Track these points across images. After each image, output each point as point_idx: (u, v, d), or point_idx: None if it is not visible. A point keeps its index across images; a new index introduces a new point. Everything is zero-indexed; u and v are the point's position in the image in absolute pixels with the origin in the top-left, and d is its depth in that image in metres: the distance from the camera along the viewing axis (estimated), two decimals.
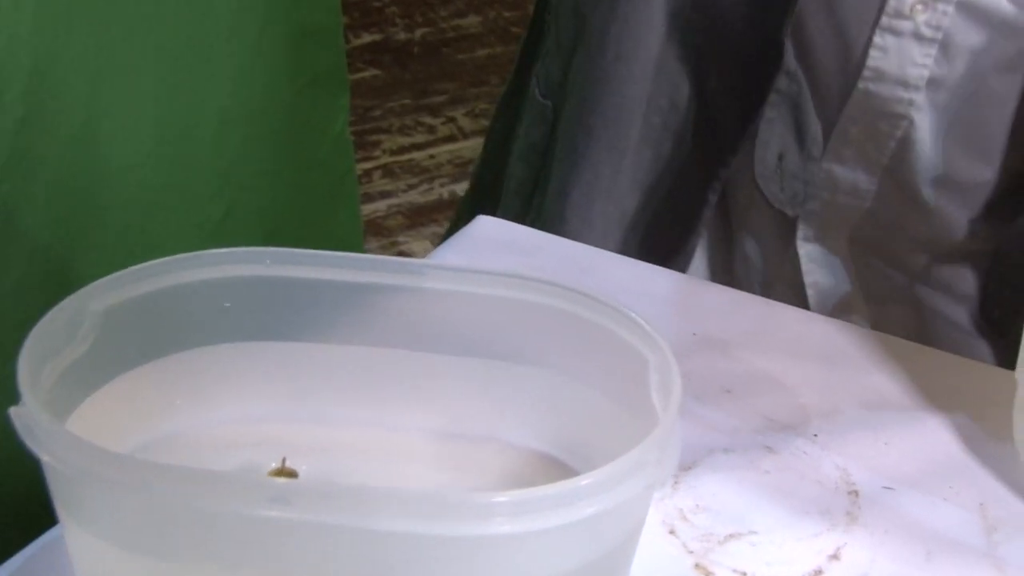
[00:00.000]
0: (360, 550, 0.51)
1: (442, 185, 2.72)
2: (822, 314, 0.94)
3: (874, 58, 0.82)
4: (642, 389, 0.58)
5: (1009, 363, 0.92)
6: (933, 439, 0.69)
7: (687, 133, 0.89)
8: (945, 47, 0.81)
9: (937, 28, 0.80)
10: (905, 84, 0.82)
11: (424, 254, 2.51)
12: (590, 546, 0.53)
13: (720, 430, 0.69)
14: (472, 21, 3.32)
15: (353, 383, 0.64)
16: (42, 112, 0.96)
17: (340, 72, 1.39)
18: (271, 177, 1.30)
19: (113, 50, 1.04)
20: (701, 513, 0.64)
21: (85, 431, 0.57)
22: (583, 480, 0.51)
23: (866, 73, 0.83)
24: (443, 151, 2.84)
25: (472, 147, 2.84)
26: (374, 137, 2.85)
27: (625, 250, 0.92)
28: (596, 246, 0.88)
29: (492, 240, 0.82)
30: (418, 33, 3.26)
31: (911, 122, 0.84)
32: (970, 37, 0.80)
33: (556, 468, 0.63)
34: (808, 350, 0.75)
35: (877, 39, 0.82)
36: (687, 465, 0.67)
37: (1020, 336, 0.83)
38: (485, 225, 0.83)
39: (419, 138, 2.88)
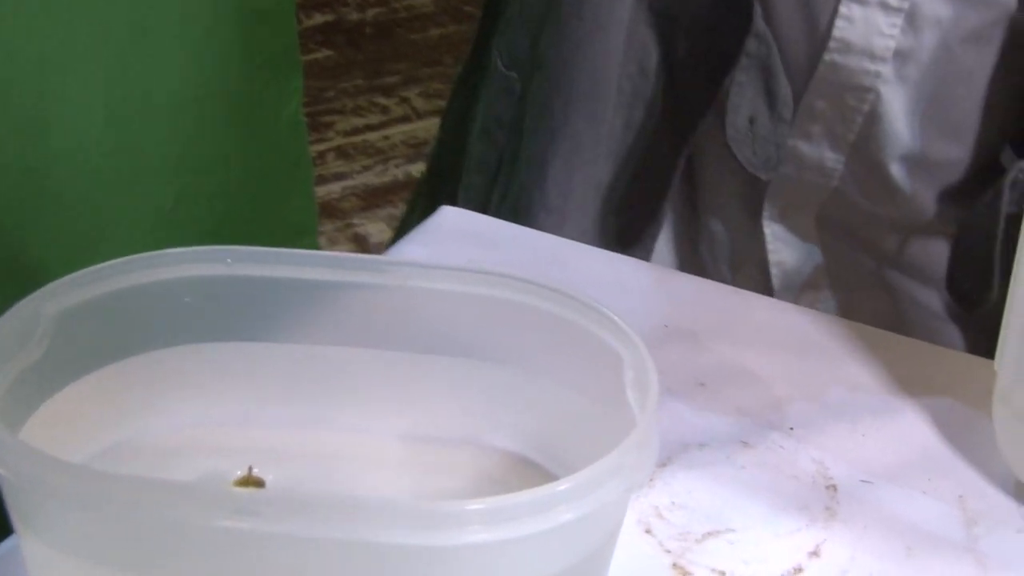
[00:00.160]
0: (330, 562, 0.49)
1: (397, 166, 2.70)
2: (787, 294, 0.94)
3: (840, 28, 0.81)
4: (617, 387, 0.57)
5: (979, 347, 0.92)
6: (910, 430, 0.68)
7: (657, 99, 0.88)
8: (912, 17, 0.80)
9: None
10: (872, 55, 0.81)
11: (380, 236, 2.52)
12: (568, 552, 0.52)
13: (694, 425, 0.68)
14: (424, 0, 3.30)
15: (319, 385, 0.63)
16: None
17: (293, 54, 1.37)
18: (224, 161, 1.28)
19: (60, 33, 1.02)
20: (677, 511, 0.63)
21: (41, 439, 0.55)
22: (560, 485, 0.49)
23: (832, 44, 0.82)
24: (397, 132, 2.82)
25: (426, 127, 2.83)
26: (327, 118, 2.83)
27: (601, 221, 0.91)
28: (575, 219, 0.87)
29: (456, 231, 0.80)
30: (370, 13, 3.24)
31: (878, 96, 0.83)
32: (937, 7, 0.79)
33: (530, 470, 0.61)
34: (781, 340, 0.74)
35: (843, 8, 0.81)
36: (662, 461, 0.65)
37: (989, 315, 0.82)
38: (448, 216, 0.82)
39: (373, 119, 2.86)
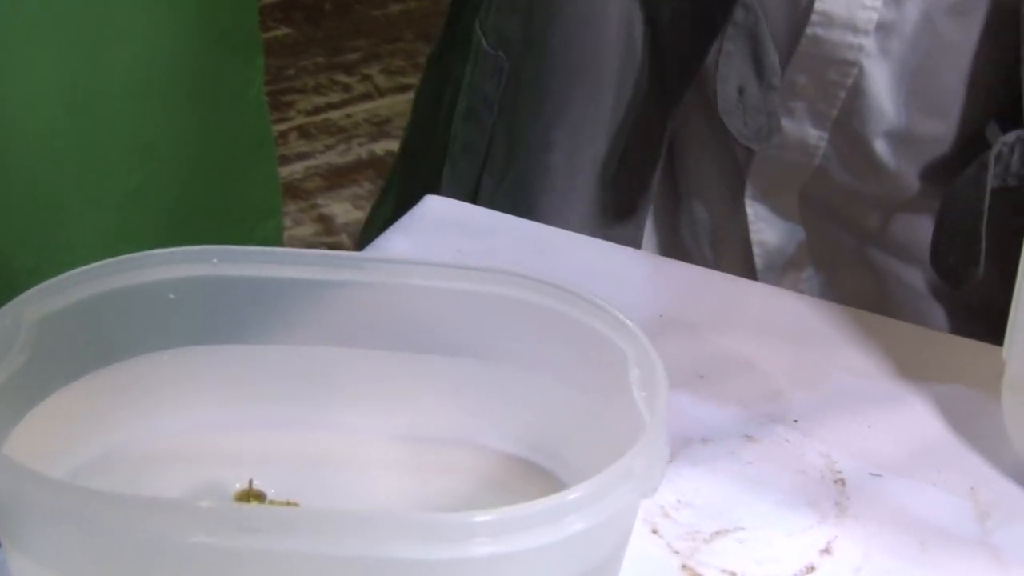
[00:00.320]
0: None
1: (360, 145, 2.68)
2: (770, 274, 0.92)
3: (822, 0, 0.80)
4: (621, 384, 0.55)
5: (964, 326, 0.91)
6: (917, 420, 0.67)
7: (644, 70, 0.87)
8: None
9: None
10: (854, 29, 0.80)
11: (345, 216, 2.49)
12: (579, 561, 0.50)
13: (696, 419, 0.66)
14: None
15: (311, 386, 0.61)
16: None
17: (254, 34, 1.36)
18: (187, 143, 1.27)
19: (17, 14, 1.00)
20: (684, 509, 0.61)
21: (27, 450, 0.53)
22: (571, 494, 0.47)
23: (814, 17, 0.81)
24: (360, 110, 2.79)
25: (389, 105, 2.80)
26: (288, 97, 2.80)
27: (598, 198, 0.89)
28: (577, 200, 0.85)
29: (442, 221, 0.78)
30: None
31: (861, 70, 0.82)
32: None
33: (531, 471, 0.59)
34: (780, 328, 0.72)
35: None
36: None
37: (974, 292, 0.81)
38: (433, 205, 0.80)
39: (334, 97, 2.83)
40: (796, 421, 0.66)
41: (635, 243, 0.90)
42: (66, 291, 0.57)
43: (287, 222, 2.33)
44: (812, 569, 0.59)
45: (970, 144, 0.84)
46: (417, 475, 0.60)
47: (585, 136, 0.88)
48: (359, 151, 2.66)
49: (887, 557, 0.59)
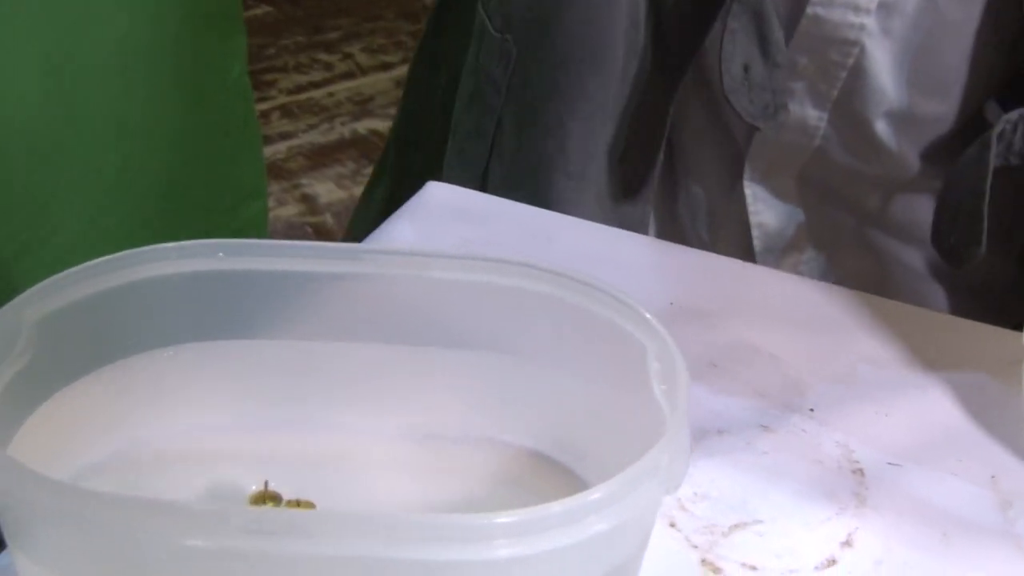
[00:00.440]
0: None
1: (343, 124, 2.66)
2: (769, 256, 0.91)
3: None
4: (640, 378, 0.54)
5: (964, 307, 0.91)
6: (934, 408, 0.66)
7: (647, 51, 0.86)
8: None
9: None
10: (855, 8, 0.79)
11: (329, 196, 2.48)
12: (599, 562, 0.49)
13: (711, 409, 0.65)
14: None
15: (321, 383, 0.59)
16: None
17: (236, 13, 1.34)
18: (169, 124, 1.26)
19: None
20: (701, 502, 0.60)
21: (31, 452, 0.52)
22: (592, 494, 0.46)
23: None
24: (342, 88, 2.78)
25: (371, 83, 2.78)
26: (269, 76, 2.78)
27: (608, 178, 0.88)
28: (593, 181, 0.84)
29: (445, 208, 0.77)
30: None
31: (862, 50, 0.81)
32: None
33: (549, 467, 0.58)
34: (792, 315, 0.71)
35: None
36: None
37: (975, 273, 0.81)
38: (435, 192, 0.78)
39: (316, 76, 2.81)
40: (812, 410, 0.65)
41: (643, 222, 0.89)
42: (67, 289, 0.55)
43: (271, 202, 2.31)
44: (833, 562, 0.58)
45: (970, 123, 0.83)
46: (430, 473, 0.59)
47: (599, 119, 0.87)
48: (342, 130, 2.64)
49: (909, 549, 0.58)
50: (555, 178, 0.87)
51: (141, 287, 0.57)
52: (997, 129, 0.78)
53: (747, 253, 0.92)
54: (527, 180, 0.88)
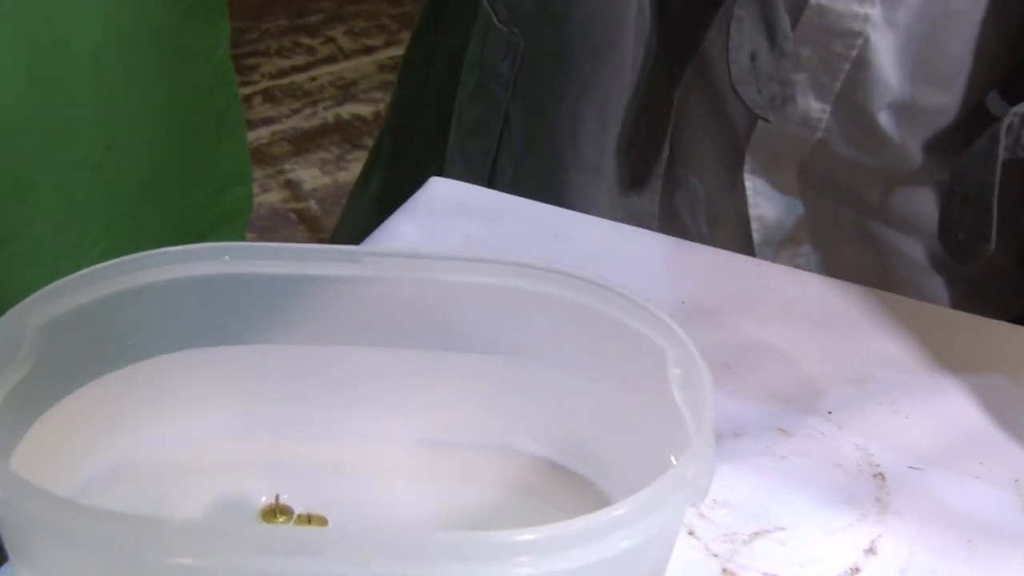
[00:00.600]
0: None
1: (326, 108, 2.64)
2: (768, 249, 0.90)
3: None
4: (659, 384, 0.53)
5: (965, 300, 0.90)
6: (955, 409, 0.64)
7: (652, 40, 0.84)
8: None
9: None
10: None
11: (313, 182, 2.46)
12: None
13: (726, 412, 0.63)
14: None
15: (329, 388, 0.58)
16: None
17: None
18: (153, 110, 1.24)
19: None
20: (720, 509, 0.59)
21: (34, 461, 0.51)
22: (617, 510, 0.45)
23: None
24: (324, 72, 2.75)
25: (354, 67, 2.76)
26: (252, 60, 2.75)
27: (619, 170, 0.87)
28: (605, 171, 0.83)
29: (449, 205, 0.75)
30: None
31: (867, 41, 0.80)
32: None
33: (564, 476, 0.57)
34: (806, 313, 0.70)
35: None
36: None
37: (989, 264, 0.79)
38: (438, 188, 0.77)
39: (299, 60, 2.79)
40: (830, 413, 0.64)
41: (651, 212, 0.88)
42: (70, 294, 0.54)
43: (254, 188, 2.29)
44: (857, 570, 0.56)
45: (973, 115, 0.82)
46: (441, 481, 0.57)
47: (610, 111, 0.85)
48: (325, 115, 2.62)
49: (934, 557, 0.57)
50: (569, 173, 0.86)
51: (145, 292, 0.56)
52: (1006, 122, 0.77)
53: (746, 246, 0.91)
54: (540, 176, 0.87)
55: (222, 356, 0.57)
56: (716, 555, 0.57)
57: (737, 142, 0.89)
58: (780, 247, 0.92)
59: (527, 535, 0.43)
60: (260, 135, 2.53)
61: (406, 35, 2.86)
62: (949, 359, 0.67)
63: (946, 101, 0.82)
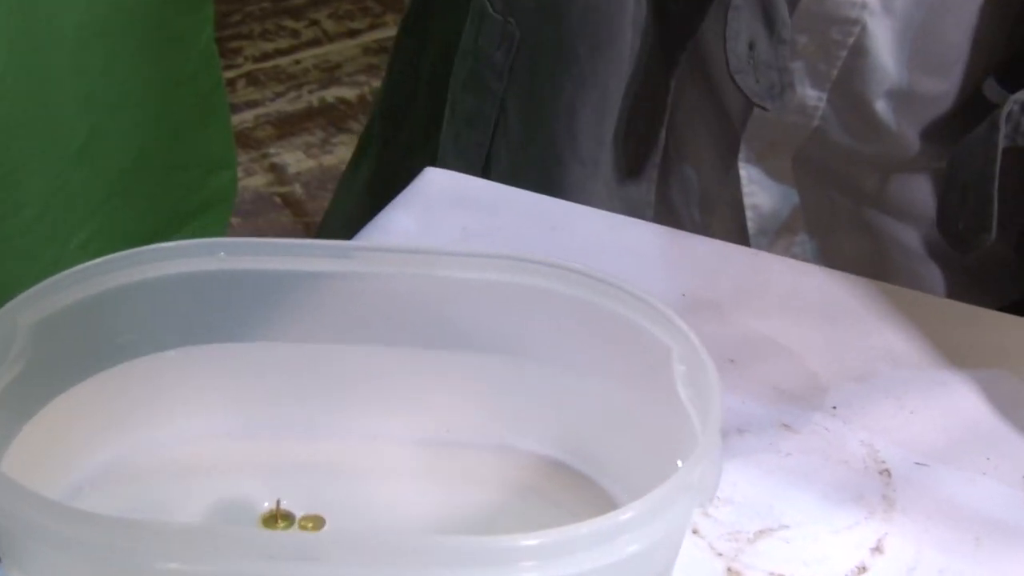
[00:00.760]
0: None
1: (311, 92, 2.62)
2: (763, 238, 0.90)
3: None
4: (663, 381, 0.52)
5: (962, 288, 0.89)
6: (961, 404, 0.63)
7: (649, 29, 0.84)
8: None
9: None
10: None
11: (298, 166, 2.44)
12: None
13: (730, 407, 0.62)
14: None
15: (326, 387, 0.57)
16: None
17: None
18: (136, 94, 1.23)
19: None
20: (724, 507, 0.58)
21: (27, 462, 0.50)
22: (624, 514, 0.44)
23: None
24: (309, 56, 2.73)
25: (339, 50, 2.74)
26: (235, 44, 2.73)
27: (616, 160, 0.86)
28: (603, 162, 0.82)
29: (445, 196, 0.74)
30: None
31: (864, 28, 0.79)
32: None
33: (567, 475, 0.56)
34: (809, 306, 0.69)
35: None
36: None
37: (985, 252, 0.79)
38: (434, 179, 0.75)
39: (282, 43, 2.76)
40: (835, 408, 0.63)
41: (647, 200, 0.87)
42: (62, 292, 0.53)
43: (239, 173, 2.28)
44: (864, 569, 0.56)
45: (970, 102, 0.81)
46: (443, 481, 0.57)
47: (608, 101, 0.84)
48: (309, 98, 2.60)
49: (942, 555, 0.56)
50: (567, 165, 0.85)
51: (139, 289, 0.55)
52: (1006, 109, 0.76)
53: (741, 235, 0.91)
54: (537, 167, 0.86)
55: (217, 354, 0.56)
56: (721, 554, 0.56)
57: (732, 131, 0.88)
58: (776, 236, 0.92)
59: (532, 540, 0.43)
60: (244, 119, 2.51)
61: (391, 18, 2.85)
62: (952, 352, 0.66)
63: (943, 88, 0.81)
